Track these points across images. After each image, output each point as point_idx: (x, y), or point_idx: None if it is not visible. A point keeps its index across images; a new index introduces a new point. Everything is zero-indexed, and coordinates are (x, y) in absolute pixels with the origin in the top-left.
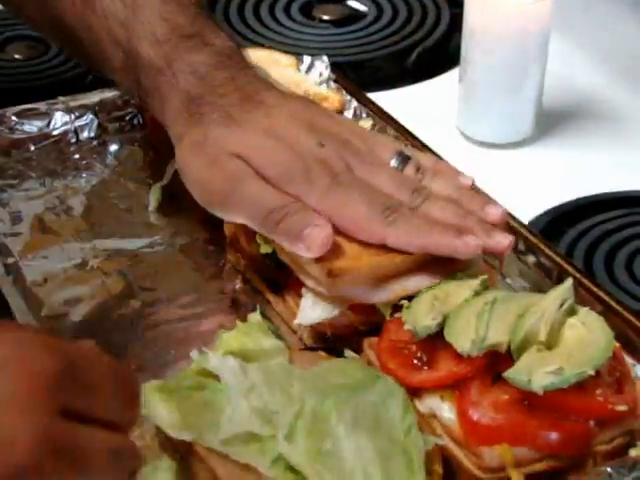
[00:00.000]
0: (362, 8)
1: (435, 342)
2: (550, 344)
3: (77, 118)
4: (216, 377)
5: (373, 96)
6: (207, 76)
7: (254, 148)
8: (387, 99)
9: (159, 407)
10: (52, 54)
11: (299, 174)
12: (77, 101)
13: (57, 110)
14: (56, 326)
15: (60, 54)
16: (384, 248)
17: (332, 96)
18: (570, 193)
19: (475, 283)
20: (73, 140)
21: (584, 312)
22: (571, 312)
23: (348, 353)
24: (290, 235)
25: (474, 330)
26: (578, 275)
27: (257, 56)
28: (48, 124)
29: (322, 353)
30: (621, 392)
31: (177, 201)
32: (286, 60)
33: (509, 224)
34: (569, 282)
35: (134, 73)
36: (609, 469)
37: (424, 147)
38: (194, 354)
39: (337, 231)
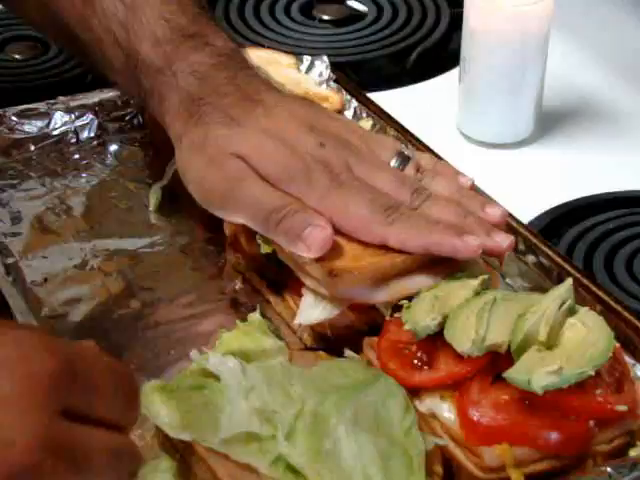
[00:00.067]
0: (362, 8)
1: (435, 342)
2: (550, 344)
3: (77, 118)
4: (216, 377)
5: (373, 96)
6: (207, 76)
7: (254, 148)
8: (387, 99)
9: (159, 407)
10: (52, 54)
11: (299, 174)
12: (77, 101)
13: (57, 110)
14: (56, 326)
15: (60, 54)
16: (384, 248)
17: (332, 96)
18: (570, 193)
19: (475, 283)
20: (73, 140)
21: (584, 312)
22: (571, 312)
23: (348, 353)
24: (290, 235)
25: (474, 330)
26: (578, 275)
27: (257, 56)
28: (48, 124)
29: (322, 353)
30: (621, 392)
31: (177, 201)
32: (286, 60)
33: (509, 224)
34: (569, 282)
35: (134, 73)
36: (609, 469)
37: (424, 147)
38: (194, 354)
39: (337, 231)
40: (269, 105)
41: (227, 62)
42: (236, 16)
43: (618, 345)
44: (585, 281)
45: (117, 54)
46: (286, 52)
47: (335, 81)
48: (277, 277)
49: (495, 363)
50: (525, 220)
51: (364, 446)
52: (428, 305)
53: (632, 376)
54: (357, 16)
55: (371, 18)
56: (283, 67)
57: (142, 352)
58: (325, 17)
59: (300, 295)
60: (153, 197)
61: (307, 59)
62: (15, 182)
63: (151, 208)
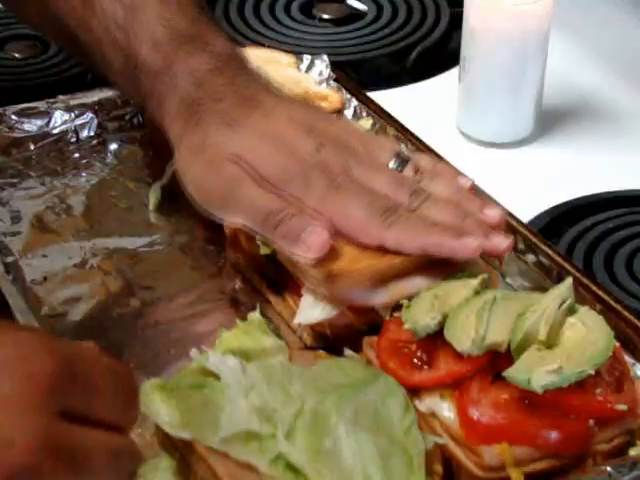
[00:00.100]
0: (362, 7)
1: (435, 341)
2: (550, 343)
3: (77, 117)
4: (216, 376)
5: (373, 95)
6: (206, 79)
7: (252, 151)
8: (387, 98)
9: (159, 406)
10: (52, 53)
11: (297, 177)
12: (77, 100)
13: (57, 109)
14: (56, 325)
15: (60, 53)
16: (383, 250)
17: (332, 95)
18: (570, 192)
19: (475, 282)
20: (73, 139)
21: (584, 311)
22: (571, 311)
23: (348, 352)
24: (288, 238)
25: (474, 329)
26: (578, 274)
27: (257, 55)
28: (48, 123)
29: (322, 352)
30: (621, 391)
31: (177, 200)
32: (286, 59)
33: (509, 223)
34: (569, 281)
35: (133, 75)
36: (609, 468)
37: (424, 146)
38: (194, 353)
39: (336, 233)
40: (268, 108)
41: (226, 65)
42: (236, 15)
43: (618, 344)
44: (585, 280)
45: (116, 55)
46: (286, 51)
47: (335, 80)
48: (277, 277)
49: (495, 362)
50: (525, 219)
51: (364, 445)
52: (428, 304)
53: (632, 375)
54: (357, 15)
55: (371, 17)
56: (283, 66)
57: (142, 351)
58: (325, 16)
59: (300, 295)
60: (153, 196)
61: (307, 58)
62: (15, 181)
63: (151, 207)
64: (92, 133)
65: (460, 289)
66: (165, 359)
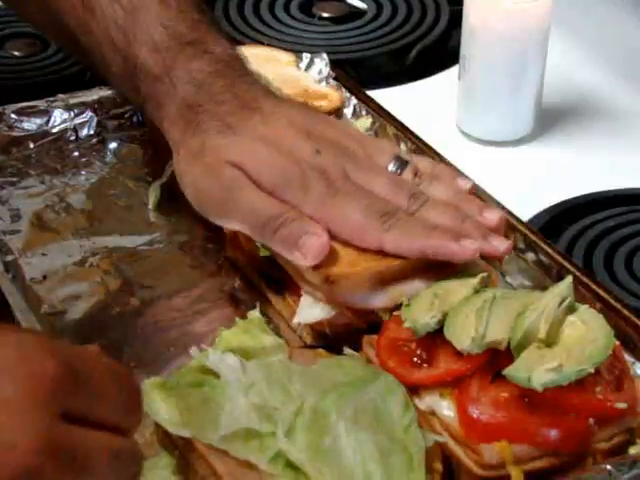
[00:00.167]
0: (362, 5)
1: (435, 340)
2: (550, 342)
3: (76, 115)
4: (216, 374)
5: (372, 94)
6: (205, 84)
7: (250, 156)
8: (386, 97)
9: (158, 404)
10: (51, 51)
11: (295, 182)
12: (76, 98)
13: (56, 107)
14: (55, 323)
15: (59, 51)
16: (381, 253)
17: (331, 93)
18: (570, 191)
19: (475, 281)
20: (72, 138)
21: (584, 310)
22: (571, 310)
23: (347, 351)
24: (287, 244)
25: (474, 328)
26: (578, 273)
27: (257, 54)
28: (47, 122)
29: (321, 351)
30: (620, 390)
31: (176, 199)
32: (286, 58)
33: (509, 221)
34: (569, 280)
35: (132, 79)
36: (609, 467)
37: (423, 145)
38: (194, 351)
39: (334, 237)
40: (266, 112)
41: (225, 69)
42: (236, 14)
43: (618, 343)
44: (585, 279)
45: (115, 58)
46: (285, 50)
47: (334, 79)
48: (277, 275)
49: (495, 361)
50: (525, 218)
51: (364, 443)
52: (428, 303)
53: (632, 374)
54: (356, 13)
55: (370, 15)
56: (283, 65)
57: (141, 349)
58: (324, 14)
59: (299, 294)
60: (152, 195)
61: (306, 57)
62: (14, 180)
63: (150, 206)
64: (92, 132)
65: (460, 288)
66: (165, 357)
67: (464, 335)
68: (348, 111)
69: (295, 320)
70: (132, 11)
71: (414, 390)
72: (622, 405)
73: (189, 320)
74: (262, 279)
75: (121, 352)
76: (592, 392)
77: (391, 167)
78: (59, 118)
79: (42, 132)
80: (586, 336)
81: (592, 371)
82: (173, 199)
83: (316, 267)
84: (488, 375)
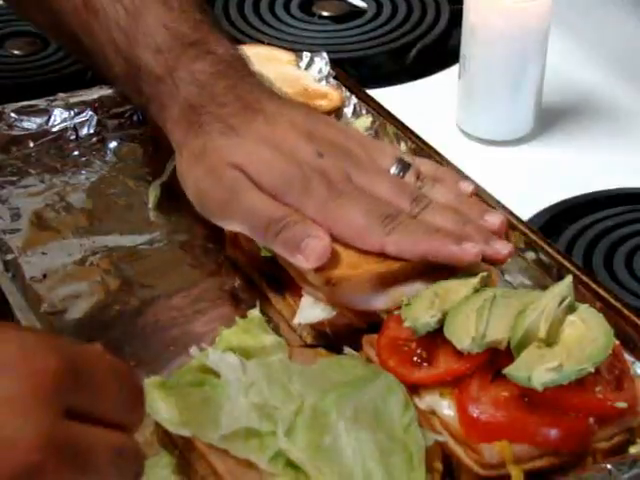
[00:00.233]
0: (362, 4)
1: (435, 339)
2: (550, 341)
3: (76, 115)
4: (216, 374)
5: (372, 93)
6: (208, 85)
7: (252, 158)
8: (387, 96)
9: (159, 403)
10: (51, 50)
11: (297, 184)
12: (76, 97)
13: (56, 107)
14: (55, 322)
15: (59, 50)
16: (382, 256)
17: (331, 93)
18: (570, 190)
19: (475, 280)
20: (72, 137)
21: (584, 309)
22: (571, 309)
23: (348, 350)
24: (288, 246)
25: (474, 327)
26: (578, 272)
27: (257, 53)
28: (47, 121)
29: (322, 350)
30: (620, 389)
31: (176, 198)
32: (286, 57)
33: (509, 221)
34: (569, 279)
35: (135, 80)
36: (609, 466)
37: (423, 144)
38: (194, 350)
39: (335, 239)
40: (269, 114)
41: (228, 70)
42: (235, 13)
43: (618, 342)
44: (585, 278)
45: (118, 59)
46: (285, 49)
47: (334, 78)
48: (277, 275)
49: (495, 360)
50: (525, 217)
51: (364, 442)
52: (428, 302)
53: (632, 373)
54: (357, 12)
55: (371, 14)
56: (282, 64)
57: (141, 348)
58: (325, 13)
59: (300, 295)
60: (152, 194)
61: (306, 56)
62: (14, 179)
63: (150, 205)
64: (92, 131)
65: (460, 287)
66: (165, 357)
67: (464, 334)
68: (348, 110)
69: (296, 320)
70: (134, 12)
71: (414, 389)
72: (622, 404)
73: (189, 319)
74: (263, 278)
75: (121, 351)
76: (592, 391)
77: (393, 170)
78: (59, 117)
79: (42, 131)
80: (586, 335)
81: (592, 370)
82: (173, 198)
83: (318, 269)
84: (488, 374)
